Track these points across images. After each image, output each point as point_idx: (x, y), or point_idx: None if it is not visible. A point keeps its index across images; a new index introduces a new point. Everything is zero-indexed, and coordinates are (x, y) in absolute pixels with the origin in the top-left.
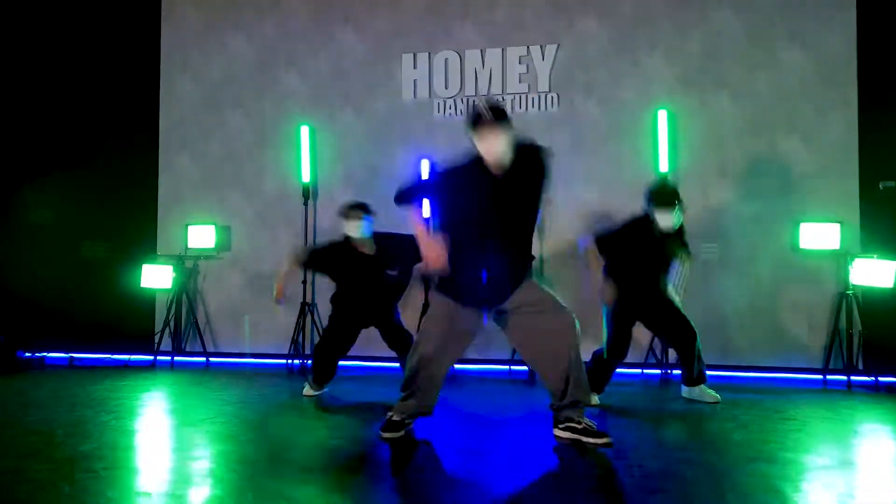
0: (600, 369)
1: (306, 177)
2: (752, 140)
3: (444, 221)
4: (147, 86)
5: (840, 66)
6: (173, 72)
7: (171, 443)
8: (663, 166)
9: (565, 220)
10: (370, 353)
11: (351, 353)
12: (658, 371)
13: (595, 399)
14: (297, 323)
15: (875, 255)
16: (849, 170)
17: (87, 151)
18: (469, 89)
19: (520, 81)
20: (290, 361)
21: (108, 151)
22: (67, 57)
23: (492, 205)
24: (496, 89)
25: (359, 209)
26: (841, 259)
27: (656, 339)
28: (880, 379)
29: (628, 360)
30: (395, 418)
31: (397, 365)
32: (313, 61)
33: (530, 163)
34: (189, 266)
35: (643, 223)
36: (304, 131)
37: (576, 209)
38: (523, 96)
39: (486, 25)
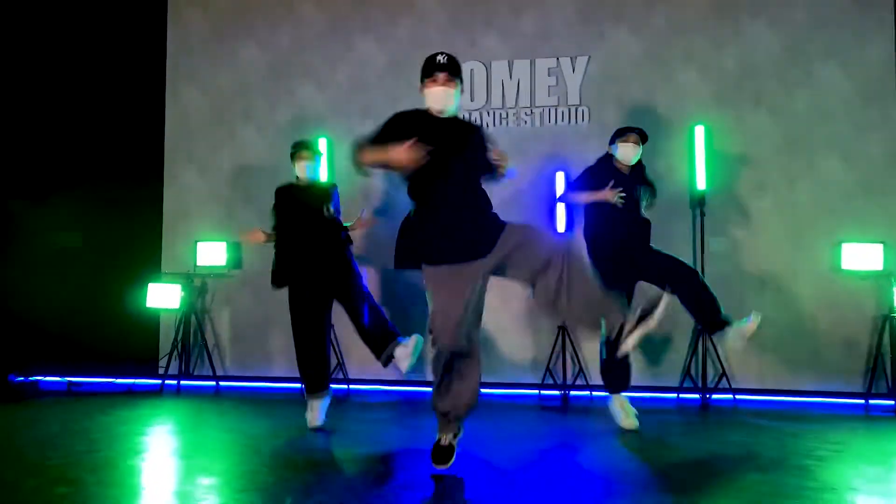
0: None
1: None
2: (789, 158)
3: (409, 176)
4: (152, 95)
5: (878, 83)
6: (179, 81)
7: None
8: (701, 183)
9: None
10: (394, 377)
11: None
12: (697, 395)
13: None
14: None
15: None
16: (887, 189)
17: (88, 164)
18: (496, 102)
19: (549, 94)
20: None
21: (109, 164)
22: (66, 63)
23: (443, 147)
24: (524, 101)
25: (308, 147)
26: (883, 280)
27: (691, 363)
28: None
29: (662, 383)
30: (442, 443)
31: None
32: (331, 72)
33: (468, 128)
34: (198, 285)
35: (605, 161)
36: (323, 144)
37: None
38: (553, 109)
39: (513, 36)
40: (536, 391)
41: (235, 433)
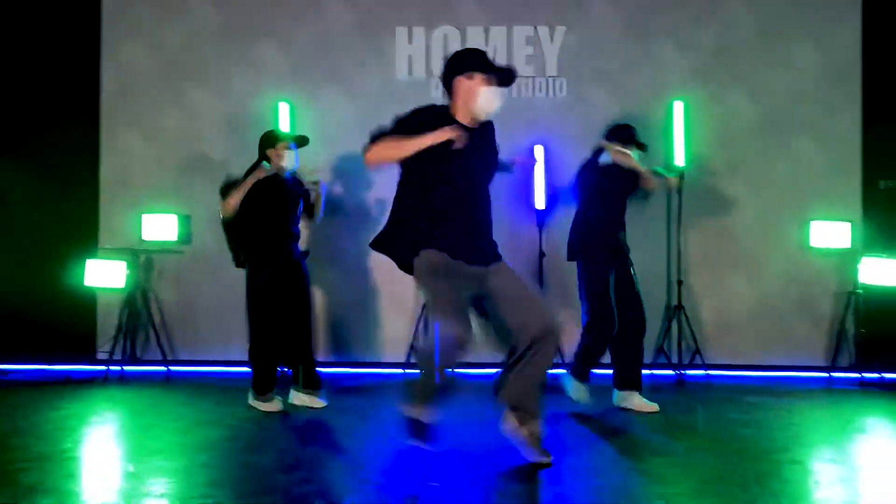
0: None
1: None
2: (764, 137)
3: (420, 164)
4: (85, 51)
5: (847, 65)
6: (117, 35)
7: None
8: (679, 159)
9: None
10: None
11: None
12: (671, 372)
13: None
14: None
15: (886, 255)
16: (853, 169)
17: (13, 127)
18: None
19: (526, 63)
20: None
21: (38, 127)
22: None
23: (467, 155)
24: None
25: (289, 137)
26: (849, 258)
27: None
28: (885, 376)
29: None
30: (423, 420)
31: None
32: (293, 31)
33: (490, 133)
34: (145, 261)
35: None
36: (283, 109)
37: None
38: (530, 80)
39: (490, 1)
40: None
41: (190, 426)
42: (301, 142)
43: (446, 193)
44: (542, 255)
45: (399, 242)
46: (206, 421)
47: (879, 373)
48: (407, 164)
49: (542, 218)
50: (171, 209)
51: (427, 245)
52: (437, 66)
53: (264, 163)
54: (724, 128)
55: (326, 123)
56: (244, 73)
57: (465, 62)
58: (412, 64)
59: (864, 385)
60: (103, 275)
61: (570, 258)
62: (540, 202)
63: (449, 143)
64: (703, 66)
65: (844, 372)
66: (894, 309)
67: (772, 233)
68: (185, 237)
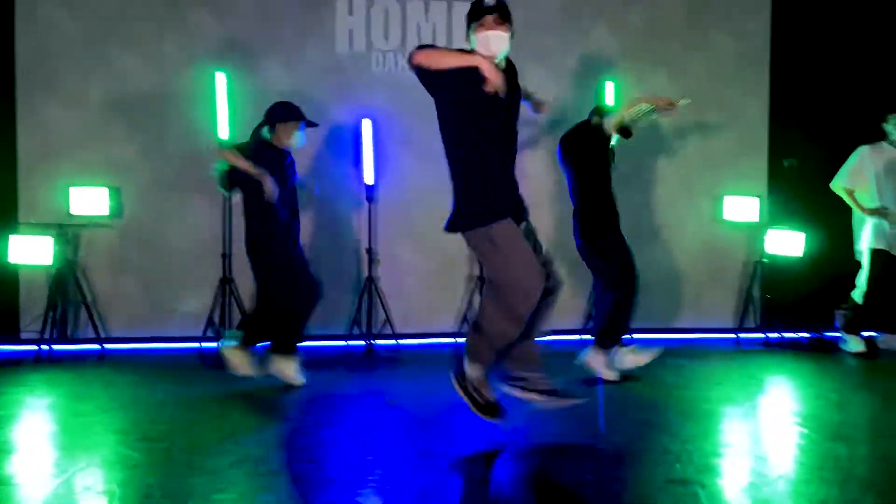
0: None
1: (224, 134)
2: (682, 117)
3: (470, 119)
4: None
5: (758, 51)
6: None
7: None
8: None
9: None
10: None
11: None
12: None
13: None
14: (214, 303)
15: (789, 227)
16: (761, 147)
17: None
18: (411, 44)
19: (466, 40)
20: (202, 345)
21: None
22: None
23: (507, 105)
24: (440, 45)
25: (300, 115)
26: (757, 230)
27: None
28: (786, 335)
29: (566, 327)
30: (489, 398)
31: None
32: None
33: (515, 77)
34: (73, 236)
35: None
36: (220, 79)
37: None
38: None
39: None
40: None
41: (126, 407)
42: (310, 125)
43: (499, 153)
44: None
45: (469, 214)
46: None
47: (781, 333)
48: (458, 121)
49: None
50: (100, 182)
51: (497, 216)
52: (378, 39)
53: (265, 130)
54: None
55: (265, 96)
56: (177, 40)
57: (471, 11)
58: (353, 37)
59: (768, 345)
60: (28, 251)
61: (594, 237)
62: None
63: (485, 82)
64: (632, 47)
65: (751, 333)
66: (794, 276)
67: (688, 206)
68: (116, 211)
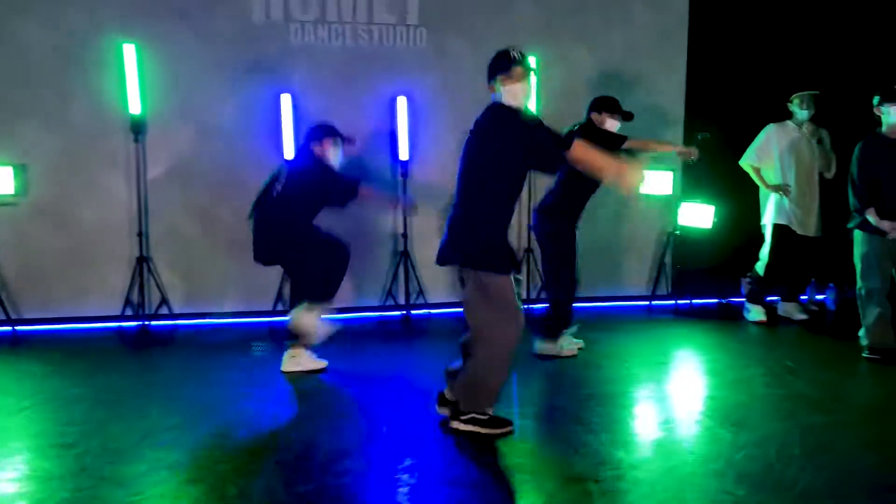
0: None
1: (135, 108)
2: (601, 91)
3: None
4: None
5: (675, 25)
6: None
7: None
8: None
9: (435, 165)
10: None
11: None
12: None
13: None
14: (132, 282)
15: (700, 200)
16: (678, 122)
17: None
18: (331, 15)
19: (388, 11)
20: (120, 324)
21: None
22: None
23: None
24: (362, 17)
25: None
26: (670, 203)
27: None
28: (695, 302)
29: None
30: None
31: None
32: None
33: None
34: None
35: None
36: (129, 51)
37: (444, 153)
38: (391, 28)
39: None
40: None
41: (40, 405)
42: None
43: (511, 208)
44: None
45: (493, 258)
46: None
47: (690, 300)
48: (515, 177)
49: (406, 168)
50: (5, 161)
51: (510, 268)
52: (295, 9)
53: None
54: (571, 83)
55: (177, 67)
56: (80, 7)
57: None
58: (269, 6)
59: (677, 312)
60: None
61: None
62: (403, 153)
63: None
64: (555, 21)
65: (662, 300)
66: (703, 247)
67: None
68: (22, 189)
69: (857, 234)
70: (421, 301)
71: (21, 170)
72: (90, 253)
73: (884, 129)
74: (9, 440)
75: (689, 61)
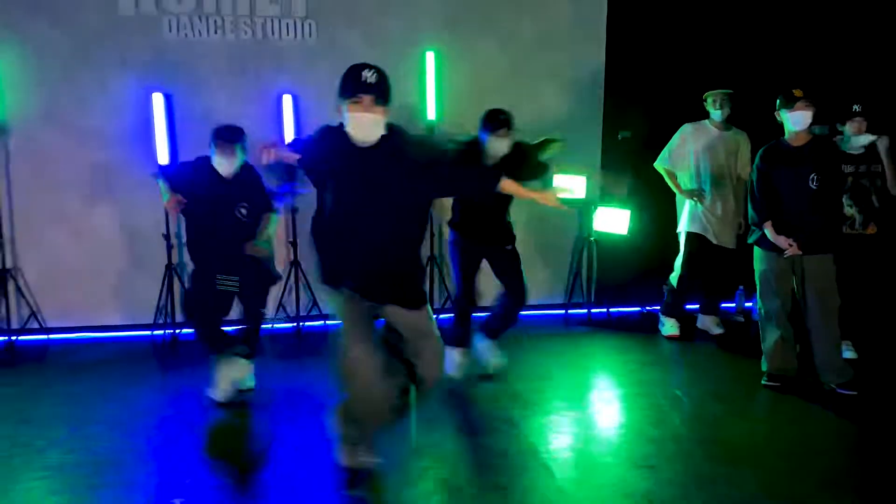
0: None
1: None
2: (514, 88)
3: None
4: None
5: (593, 18)
6: None
7: None
8: (431, 112)
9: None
10: None
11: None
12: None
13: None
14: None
15: (616, 205)
16: (595, 120)
17: None
18: (209, 6)
19: (271, 2)
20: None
21: None
22: None
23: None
24: (243, 10)
25: (238, 134)
26: (585, 207)
27: None
28: (612, 310)
29: None
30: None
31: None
32: None
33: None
34: None
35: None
36: None
37: None
38: (276, 20)
39: None
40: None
41: None
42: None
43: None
44: None
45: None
46: None
47: (607, 309)
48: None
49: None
50: None
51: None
52: (170, 2)
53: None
54: (478, 78)
55: (40, 63)
56: None
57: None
58: None
59: (591, 323)
60: None
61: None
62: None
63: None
64: (456, 14)
65: (578, 309)
66: (621, 253)
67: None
68: None
69: (756, 251)
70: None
71: None
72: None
73: (786, 136)
74: None
75: (608, 54)
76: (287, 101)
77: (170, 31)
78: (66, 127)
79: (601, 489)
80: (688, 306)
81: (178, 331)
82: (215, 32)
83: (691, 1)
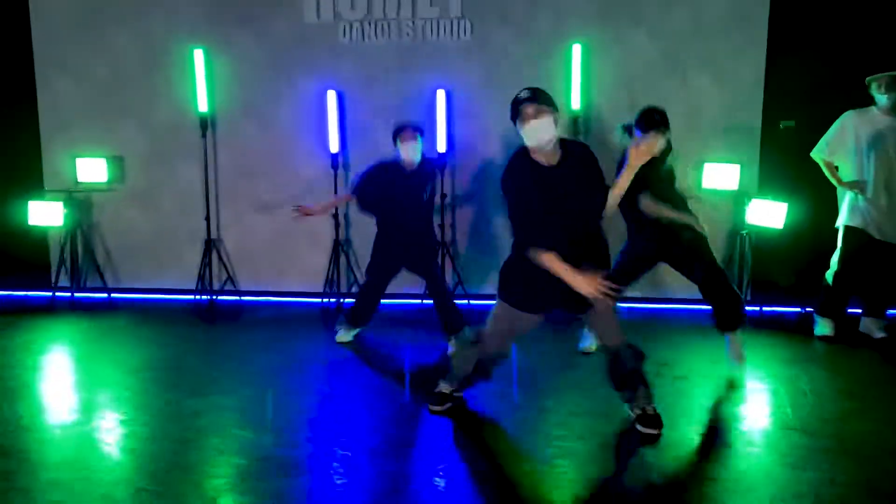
0: None
1: (203, 106)
2: (664, 78)
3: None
4: None
5: (753, 4)
6: None
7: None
8: (575, 102)
9: (478, 157)
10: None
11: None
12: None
13: None
14: (202, 260)
15: (770, 197)
16: (754, 110)
17: None
18: (377, 12)
19: (431, 5)
20: (197, 297)
21: None
22: None
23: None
24: (406, 13)
25: (415, 130)
26: (738, 199)
27: None
28: (765, 309)
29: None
30: (444, 389)
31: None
32: None
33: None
34: (81, 200)
35: None
36: (199, 56)
37: (486, 145)
38: (435, 21)
39: None
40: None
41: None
42: (421, 132)
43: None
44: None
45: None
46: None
47: (759, 306)
48: None
49: (443, 160)
50: (105, 152)
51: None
52: (344, 9)
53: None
54: (625, 69)
55: (241, 67)
56: (160, 15)
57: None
58: (320, 7)
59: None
60: (44, 215)
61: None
62: (441, 146)
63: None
64: (605, 6)
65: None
66: (777, 249)
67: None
68: (117, 178)
69: None
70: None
71: (118, 161)
72: (170, 234)
73: None
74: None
75: (769, 42)
76: (441, 94)
77: (344, 35)
78: (260, 120)
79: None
80: (851, 310)
81: (342, 300)
82: (382, 35)
83: None
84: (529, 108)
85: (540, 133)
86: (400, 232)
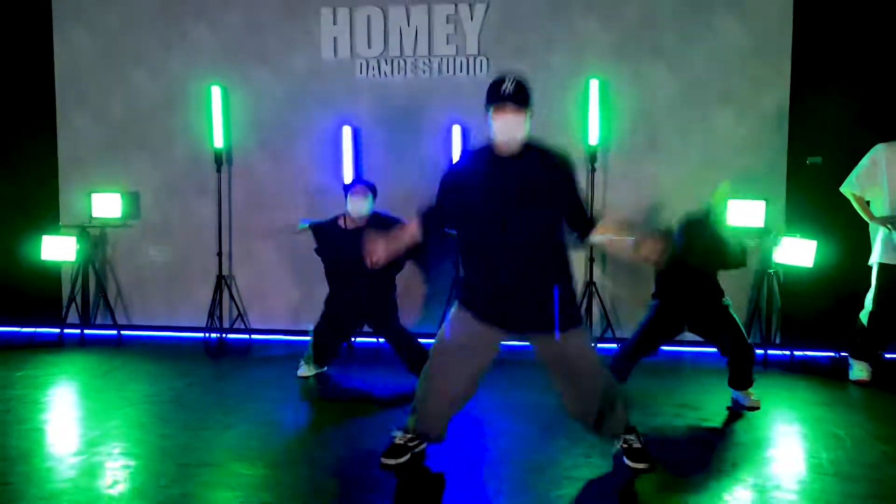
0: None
1: (219, 142)
2: (684, 112)
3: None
4: (38, 35)
5: (775, 38)
6: (66, 20)
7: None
8: (593, 138)
9: None
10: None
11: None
12: None
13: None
14: (214, 297)
15: (798, 234)
16: (779, 145)
17: None
18: (394, 49)
19: (447, 42)
20: (207, 335)
21: None
22: None
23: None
24: (422, 50)
25: (366, 187)
26: (764, 236)
27: None
28: (795, 353)
29: None
30: (398, 441)
31: None
32: (224, 13)
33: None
34: (96, 236)
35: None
36: (216, 92)
37: None
38: (451, 59)
39: None
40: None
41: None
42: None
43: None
44: None
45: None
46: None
47: (791, 350)
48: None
49: None
50: (120, 188)
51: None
52: (361, 46)
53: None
54: (645, 104)
55: (257, 104)
56: (180, 55)
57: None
58: (337, 44)
59: (766, 363)
60: (58, 249)
61: None
62: None
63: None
64: (625, 40)
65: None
66: (804, 288)
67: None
68: (132, 213)
69: None
70: None
71: (133, 197)
72: (182, 270)
73: None
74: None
75: (793, 76)
76: (456, 130)
77: (360, 72)
78: (276, 156)
79: None
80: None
81: (354, 339)
82: (398, 72)
83: (885, 14)
84: (510, 107)
85: (513, 132)
86: (347, 289)
